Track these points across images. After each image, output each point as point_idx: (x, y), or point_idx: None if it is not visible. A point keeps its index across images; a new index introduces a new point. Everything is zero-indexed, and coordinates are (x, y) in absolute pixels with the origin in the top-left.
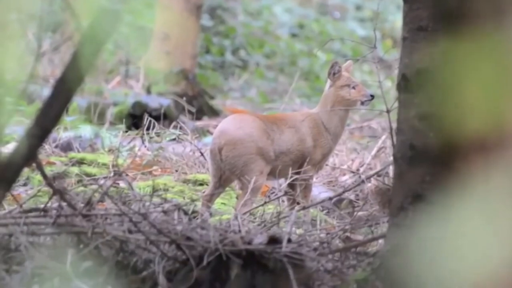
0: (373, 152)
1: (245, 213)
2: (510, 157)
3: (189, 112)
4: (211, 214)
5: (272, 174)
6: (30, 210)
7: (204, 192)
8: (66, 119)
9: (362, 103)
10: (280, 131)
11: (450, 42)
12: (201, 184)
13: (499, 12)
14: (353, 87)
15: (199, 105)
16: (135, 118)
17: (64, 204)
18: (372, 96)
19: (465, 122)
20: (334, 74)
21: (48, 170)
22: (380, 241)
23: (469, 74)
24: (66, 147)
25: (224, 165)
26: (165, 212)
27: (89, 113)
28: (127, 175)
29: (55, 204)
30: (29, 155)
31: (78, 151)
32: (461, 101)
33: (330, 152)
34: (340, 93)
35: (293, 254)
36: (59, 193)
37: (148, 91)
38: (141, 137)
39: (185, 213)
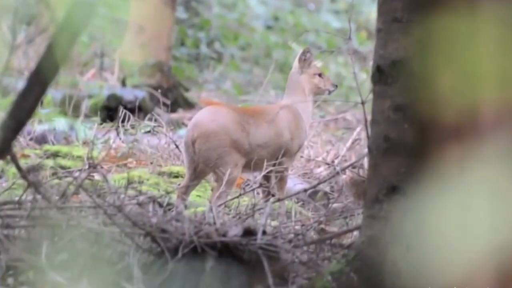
0: (348, 144)
1: (220, 205)
2: (485, 145)
3: (164, 104)
4: (186, 207)
5: (247, 167)
6: (5, 203)
7: (179, 185)
8: (41, 111)
9: (329, 92)
10: (256, 124)
11: (424, 32)
12: (176, 177)
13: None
14: (322, 76)
15: (174, 97)
16: (110, 111)
17: (38, 196)
18: (337, 86)
19: (440, 112)
20: (305, 60)
21: (23, 163)
22: (355, 232)
23: (444, 64)
24: (41, 140)
25: (198, 158)
26: (140, 204)
27: (63, 105)
28: (102, 167)
29: (30, 197)
30: (3, 147)
31: (53, 144)
32: (435, 91)
33: (304, 142)
34: (314, 81)
35: (268, 246)
36: (34, 185)
37: (123, 83)
38: (116, 129)
39: (160, 205)
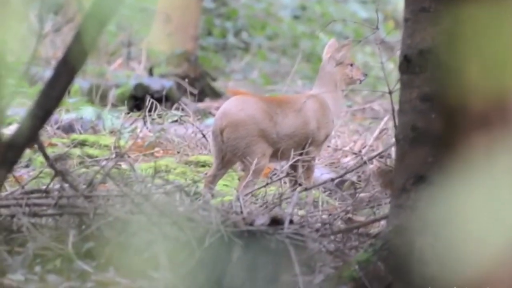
0: (375, 134)
1: (247, 195)
2: None
3: (191, 94)
4: (213, 196)
5: (275, 156)
6: (32, 192)
7: (206, 174)
8: (68, 100)
9: (360, 82)
10: (284, 114)
11: (452, 22)
12: (203, 166)
13: None
14: (353, 66)
15: (201, 87)
16: (137, 100)
17: (66, 185)
18: (366, 75)
19: (467, 101)
20: (342, 52)
21: (50, 152)
22: (382, 222)
23: (471, 53)
24: (68, 129)
25: (226, 147)
26: (167, 193)
27: (91, 94)
28: (129, 156)
29: (57, 186)
30: (31, 136)
31: (80, 133)
32: (463, 81)
33: (332, 132)
34: (346, 72)
35: (295, 235)
36: (61, 174)
37: (150, 73)
38: (143, 118)
39: (187, 194)
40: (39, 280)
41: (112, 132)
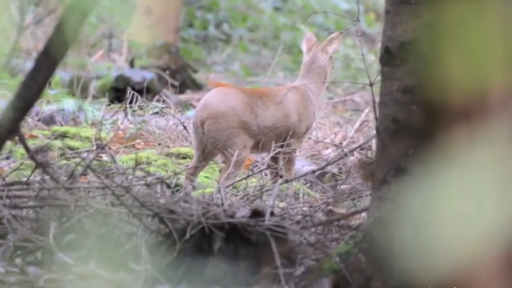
0: (356, 126)
1: (228, 187)
2: (493, 126)
3: (172, 85)
4: (194, 188)
5: (256, 148)
6: (13, 183)
7: (187, 166)
8: (49, 92)
9: None
10: (264, 106)
11: (433, 14)
12: (184, 158)
13: None
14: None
15: (182, 78)
16: (118, 92)
17: (47, 177)
18: None
19: (448, 93)
20: (334, 45)
21: (31, 144)
22: (363, 214)
23: (452, 45)
24: (49, 121)
25: (207, 139)
26: (148, 185)
27: (72, 86)
28: (110, 148)
29: (38, 177)
30: (11, 128)
31: (61, 125)
32: (444, 73)
33: (313, 124)
34: (333, 65)
35: (276, 227)
36: (42, 166)
37: (131, 64)
38: (124, 110)
39: (168, 186)
40: (20, 272)
41: (93, 124)
